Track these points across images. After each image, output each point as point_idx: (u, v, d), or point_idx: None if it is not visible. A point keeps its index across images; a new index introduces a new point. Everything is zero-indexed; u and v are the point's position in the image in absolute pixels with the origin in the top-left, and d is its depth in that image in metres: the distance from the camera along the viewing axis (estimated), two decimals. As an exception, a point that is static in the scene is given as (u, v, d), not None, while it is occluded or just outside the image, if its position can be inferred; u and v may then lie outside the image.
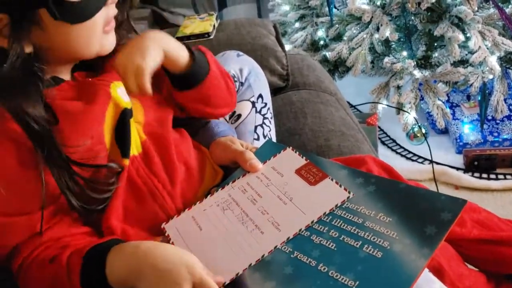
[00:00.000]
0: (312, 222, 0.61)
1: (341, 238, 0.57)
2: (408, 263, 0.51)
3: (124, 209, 0.68)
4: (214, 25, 1.26)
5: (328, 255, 0.56)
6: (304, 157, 0.72)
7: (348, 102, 1.97)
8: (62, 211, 0.64)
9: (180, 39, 1.23)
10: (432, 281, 0.56)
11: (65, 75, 0.68)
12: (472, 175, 1.60)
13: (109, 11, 0.66)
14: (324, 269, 0.54)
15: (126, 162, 0.68)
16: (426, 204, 0.57)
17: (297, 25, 1.86)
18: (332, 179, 0.66)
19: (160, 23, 2.46)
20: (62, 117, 0.62)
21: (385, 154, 1.73)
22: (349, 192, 0.63)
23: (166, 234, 0.66)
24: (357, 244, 0.56)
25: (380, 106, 1.73)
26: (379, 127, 1.84)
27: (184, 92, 0.75)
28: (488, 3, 1.56)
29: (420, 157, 1.70)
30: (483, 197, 1.54)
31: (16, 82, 0.59)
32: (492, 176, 1.59)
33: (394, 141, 1.80)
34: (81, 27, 0.63)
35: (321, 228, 0.60)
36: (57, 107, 0.63)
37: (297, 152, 0.73)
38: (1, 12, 0.58)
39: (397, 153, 1.75)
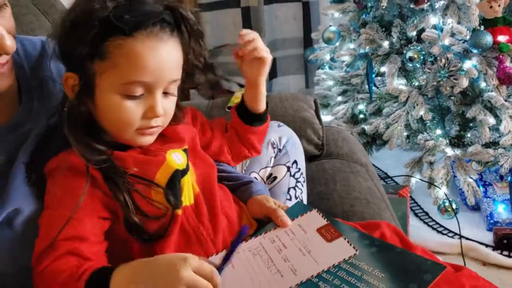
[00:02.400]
0: (323, 270, 0.74)
1: (341, 286, 0.70)
2: None
3: (175, 249, 0.82)
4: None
5: None
6: (325, 219, 0.86)
7: (386, 173, 2.10)
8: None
9: (230, 108, 1.42)
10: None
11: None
12: (501, 253, 1.65)
13: (148, 122, 0.80)
14: None
15: (178, 212, 0.82)
16: (413, 266, 0.71)
17: (339, 98, 2.02)
18: (345, 238, 0.80)
19: (215, 88, 2.70)
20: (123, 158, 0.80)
21: (416, 226, 1.81)
22: (356, 250, 0.76)
23: None
24: None
25: (413, 179, 1.83)
26: (413, 199, 1.94)
27: (255, 127, 0.98)
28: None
29: (450, 231, 1.77)
30: (510, 276, 1.57)
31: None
32: (521, 255, 1.63)
33: (426, 213, 1.88)
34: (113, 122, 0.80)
35: (328, 276, 0.73)
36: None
37: (321, 214, 0.87)
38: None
39: (428, 225, 1.83)
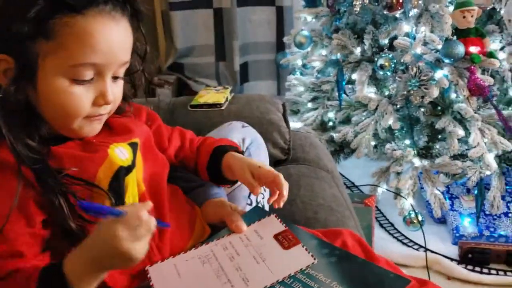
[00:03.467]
0: (277, 281, 0.67)
1: None
2: None
3: None
4: (227, 98, 1.38)
5: None
6: (284, 224, 0.79)
7: (352, 182, 2.07)
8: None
9: (194, 107, 1.35)
10: None
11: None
12: (465, 267, 1.62)
13: (97, 110, 0.73)
14: None
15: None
16: (375, 279, 0.65)
17: (309, 105, 1.98)
18: (303, 246, 0.73)
19: (183, 89, 2.63)
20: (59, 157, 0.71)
21: (381, 237, 1.77)
22: (314, 259, 0.70)
23: (148, 276, 0.73)
24: None
25: (379, 190, 1.79)
26: (379, 209, 1.90)
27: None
28: (487, 103, 1.65)
29: (415, 243, 1.73)
30: (474, 291, 1.55)
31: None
32: (485, 270, 1.60)
33: (392, 224, 1.84)
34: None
35: None
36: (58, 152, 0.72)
37: (279, 219, 0.81)
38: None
39: (393, 237, 1.79)
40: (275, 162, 1.29)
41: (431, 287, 0.85)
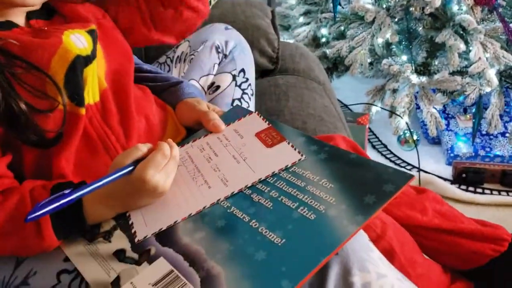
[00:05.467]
0: (259, 180, 0.59)
1: (279, 199, 0.56)
2: (339, 228, 0.50)
3: (76, 158, 0.66)
4: (210, 2, 1.25)
5: (262, 213, 0.55)
6: (267, 122, 0.70)
7: (345, 104, 1.98)
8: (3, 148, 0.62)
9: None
10: (371, 250, 0.54)
11: (19, 21, 0.67)
12: (459, 187, 1.57)
13: None
14: (255, 225, 0.54)
15: (82, 111, 0.66)
16: (371, 175, 0.56)
17: (301, 19, 1.85)
18: (288, 143, 0.65)
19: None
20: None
21: (374, 158, 1.71)
22: (301, 155, 0.61)
23: None
24: (293, 205, 0.55)
25: (374, 109, 1.71)
26: (371, 130, 1.83)
27: None
28: (492, 14, 1.53)
29: (408, 164, 1.67)
30: (466, 210, 1.48)
31: None
32: (479, 190, 1.56)
33: (385, 146, 1.78)
34: None
35: (263, 188, 0.59)
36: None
37: (262, 117, 0.72)
38: None
39: (386, 158, 1.73)
40: (262, 72, 1.19)
41: (430, 195, 0.78)
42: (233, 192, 0.59)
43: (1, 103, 0.58)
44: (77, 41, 0.66)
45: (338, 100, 1.98)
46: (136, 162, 0.58)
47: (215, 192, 0.60)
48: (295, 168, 0.60)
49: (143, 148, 0.59)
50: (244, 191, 0.59)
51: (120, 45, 0.74)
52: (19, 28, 0.65)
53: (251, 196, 0.58)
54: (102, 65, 0.70)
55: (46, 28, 0.66)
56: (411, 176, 0.53)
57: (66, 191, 0.54)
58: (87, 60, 0.66)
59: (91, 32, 0.69)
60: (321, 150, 0.62)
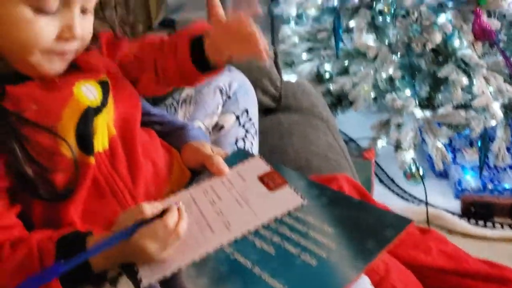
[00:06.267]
0: (263, 224, 0.60)
1: (282, 245, 0.57)
2: (339, 274, 0.51)
3: (84, 204, 0.66)
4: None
5: (265, 260, 0.55)
6: (269, 165, 0.71)
7: (350, 138, 1.99)
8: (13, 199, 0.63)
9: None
10: (373, 294, 0.54)
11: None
12: (468, 222, 1.56)
13: (61, 45, 0.64)
14: (258, 272, 0.54)
15: (92, 160, 0.66)
16: (372, 220, 0.57)
17: (304, 56, 1.88)
18: (291, 187, 0.66)
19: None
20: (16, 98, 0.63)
21: (381, 192, 1.71)
22: (303, 200, 0.62)
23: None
24: (295, 251, 0.55)
25: (379, 143, 1.71)
26: (378, 164, 1.83)
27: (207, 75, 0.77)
28: (493, 49, 1.55)
29: (416, 198, 1.67)
30: (477, 245, 1.49)
31: None
32: (489, 224, 1.54)
33: (391, 180, 1.77)
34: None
35: (265, 233, 0.59)
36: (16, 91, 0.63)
37: (264, 160, 0.73)
38: None
39: (393, 192, 1.72)
40: (265, 110, 1.21)
41: (434, 235, 0.78)
42: (236, 237, 0.59)
43: (11, 166, 0.59)
44: (88, 92, 0.68)
45: (344, 133, 2.00)
46: (140, 224, 0.58)
47: (218, 237, 0.60)
48: (297, 213, 0.61)
49: (147, 211, 0.58)
50: (247, 236, 0.59)
51: (129, 92, 0.76)
52: (33, 81, 0.66)
53: (254, 241, 0.58)
54: (111, 112, 0.71)
55: (57, 80, 0.67)
56: (411, 221, 0.54)
57: (61, 263, 0.55)
58: (97, 110, 0.68)
59: (102, 83, 0.70)
60: (322, 195, 0.63)
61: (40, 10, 0.60)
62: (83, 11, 0.66)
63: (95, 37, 0.74)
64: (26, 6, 0.59)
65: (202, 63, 0.74)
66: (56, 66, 0.66)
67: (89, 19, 0.68)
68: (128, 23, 0.78)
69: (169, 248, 0.59)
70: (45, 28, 0.61)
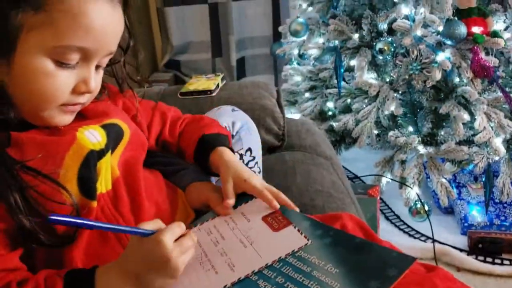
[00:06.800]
0: (266, 265, 0.60)
1: (286, 285, 0.57)
2: None
3: (87, 248, 0.67)
4: (218, 84, 1.31)
5: None
6: None
7: (355, 174, 1.99)
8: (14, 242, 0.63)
9: (184, 94, 1.29)
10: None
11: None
12: (476, 258, 1.54)
13: (75, 98, 0.66)
14: None
15: (94, 204, 0.67)
16: (376, 259, 0.57)
17: (307, 95, 1.91)
18: (295, 227, 0.66)
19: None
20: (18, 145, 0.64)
21: (387, 229, 1.70)
22: (308, 240, 0.62)
23: None
24: None
25: (384, 180, 1.72)
26: (383, 201, 1.82)
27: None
28: (493, 85, 1.57)
29: (422, 235, 1.65)
30: (486, 282, 1.46)
31: None
32: (497, 260, 1.52)
33: (397, 216, 1.76)
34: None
35: (269, 273, 0.59)
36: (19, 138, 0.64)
37: None
38: None
39: (399, 229, 1.71)
40: (269, 148, 1.22)
41: (440, 273, 0.77)
42: (240, 278, 0.59)
43: (12, 217, 0.60)
44: (91, 136, 0.69)
45: (348, 170, 2.00)
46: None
47: (222, 278, 0.60)
48: (301, 253, 0.61)
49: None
50: (251, 277, 0.59)
51: (141, 136, 0.78)
52: (35, 129, 0.67)
53: (258, 282, 0.58)
54: (118, 154, 0.73)
55: (62, 127, 0.69)
56: (414, 259, 0.54)
57: None
58: (101, 153, 0.69)
59: (105, 126, 0.72)
60: (326, 235, 0.63)
61: (61, 63, 0.62)
62: (97, 66, 0.68)
63: (103, 87, 0.77)
64: (48, 59, 0.61)
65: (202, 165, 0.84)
66: (66, 119, 0.68)
67: (101, 74, 0.71)
68: (133, 65, 0.80)
69: (186, 255, 0.61)
70: (63, 82, 0.63)
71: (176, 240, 0.60)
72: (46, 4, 0.59)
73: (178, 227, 0.61)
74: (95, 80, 0.67)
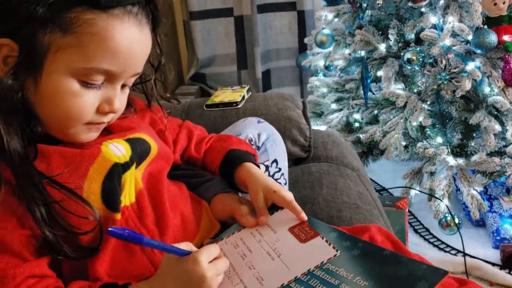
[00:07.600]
0: (296, 277, 0.59)
1: None
2: None
3: (112, 260, 0.67)
4: (243, 96, 1.31)
5: None
6: None
7: (383, 187, 1.96)
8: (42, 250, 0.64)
9: (210, 106, 1.29)
10: None
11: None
12: (509, 273, 1.49)
13: (100, 117, 0.67)
14: None
15: (118, 216, 0.67)
16: (405, 272, 0.56)
17: (333, 106, 1.89)
18: (322, 238, 0.65)
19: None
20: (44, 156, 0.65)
21: (416, 243, 1.66)
22: (336, 250, 0.61)
23: None
24: None
25: (412, 192, 1.68)
26: (412, 214, 1.79)
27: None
28: (525, 94, 1.53)
29: (453, 248, 1.61)
30: (520, 298, 1.42)
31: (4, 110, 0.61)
32: (532, 275, 1.47)
33: (427, 229, 1.72)
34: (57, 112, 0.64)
35: (297, 287, 0.58)
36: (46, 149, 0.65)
37: None
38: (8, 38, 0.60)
39: (429, 242, 1.67)
40: (295, 160, 1.22)
41: (473, 286, 0.75)
42: None
43: (39, 230, 0.61)
44: (115, 149, 0.69)
45: (376, 183, 1.97)
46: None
47: None
48: (328, 265, 0.60)
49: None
50: None
51: (167, 150, 0.79)
52: (62, 145, 0.68)
53: None
54: (143, 167, 0.73)
55: (86, 142, 0.70)
56: (446, 273, 0.52)
57: None
58: (125, 167, 0.69)
59: (130, 140, 0.72)
60: (354, 246, 0.62)
61: (86, 83, 0.63)
62: (123, 85, 0.69)
63: (129, 104, 0.78)
64: (74, 79, 0.62)
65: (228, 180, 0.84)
66: (91, 136, 0.69)
67: (126, 92, 0.71)
68: (161, 80, 0.82)
69: (219, 276, 0.62)
70: (88, 101, 0.64)
71: (211, 261, 0.62)
72: (74, 26, 0.60)
73: (215, 249, 0.63)
74: (120, 99, 0.68)
